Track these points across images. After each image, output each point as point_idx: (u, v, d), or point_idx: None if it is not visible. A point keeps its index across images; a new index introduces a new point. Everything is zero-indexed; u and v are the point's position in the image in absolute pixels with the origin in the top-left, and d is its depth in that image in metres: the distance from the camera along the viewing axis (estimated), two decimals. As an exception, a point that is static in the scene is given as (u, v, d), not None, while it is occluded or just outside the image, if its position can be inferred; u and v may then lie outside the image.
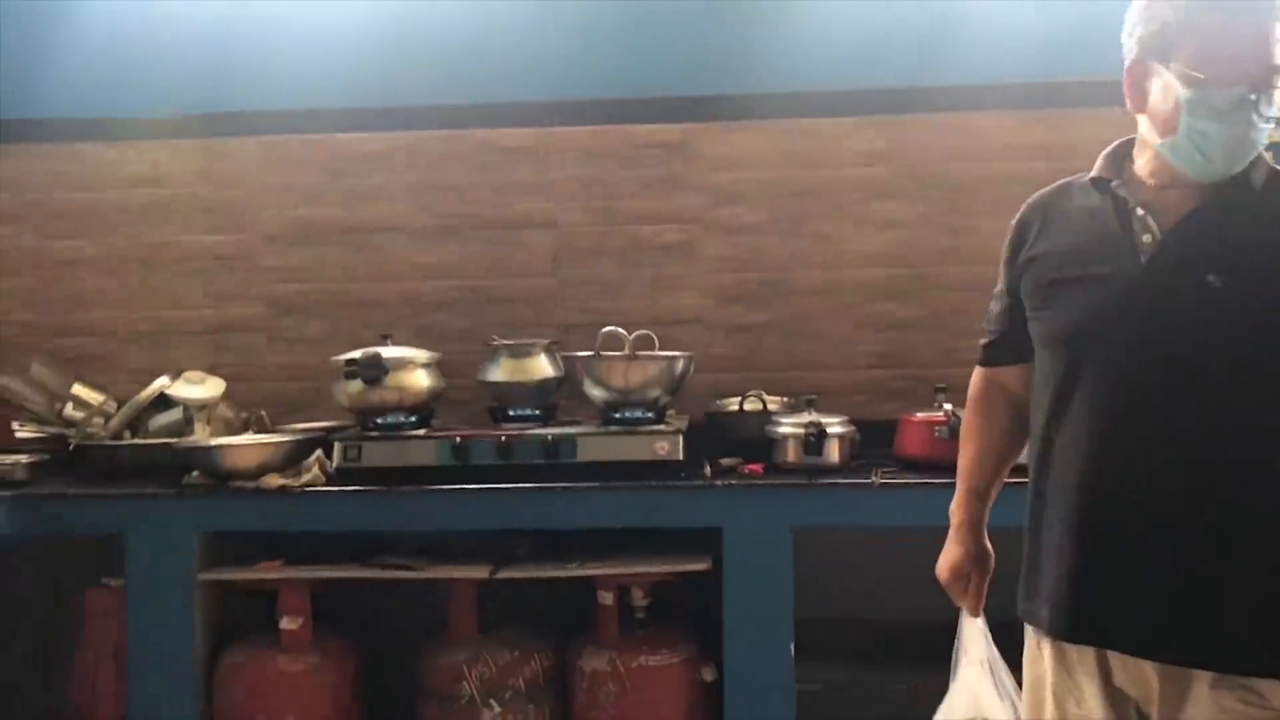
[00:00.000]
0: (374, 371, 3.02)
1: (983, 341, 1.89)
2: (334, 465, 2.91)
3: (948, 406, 2.88)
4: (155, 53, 3.49)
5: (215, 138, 3.51)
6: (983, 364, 1.91)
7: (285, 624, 2.86)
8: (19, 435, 3.21)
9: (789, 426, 2.89)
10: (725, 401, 3.23)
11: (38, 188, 3.54)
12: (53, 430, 3.22)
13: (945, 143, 3.37)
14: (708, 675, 2.84)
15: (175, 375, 3.27)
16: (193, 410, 3.18)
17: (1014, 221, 1.78)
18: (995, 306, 1.84)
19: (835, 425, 2.89)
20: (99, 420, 3.21)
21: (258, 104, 3.49)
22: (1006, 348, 1.83)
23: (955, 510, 1.94)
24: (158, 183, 3.53)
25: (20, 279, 3.54)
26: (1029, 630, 1.74)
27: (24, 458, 3.04)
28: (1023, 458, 1.84)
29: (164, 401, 3.21)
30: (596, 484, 2.78)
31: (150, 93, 3.49)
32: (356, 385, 3.03)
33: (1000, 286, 1.82)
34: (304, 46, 3.47)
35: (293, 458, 2.98)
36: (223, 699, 2.86)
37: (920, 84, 3.36)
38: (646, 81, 3.41)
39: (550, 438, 2.87)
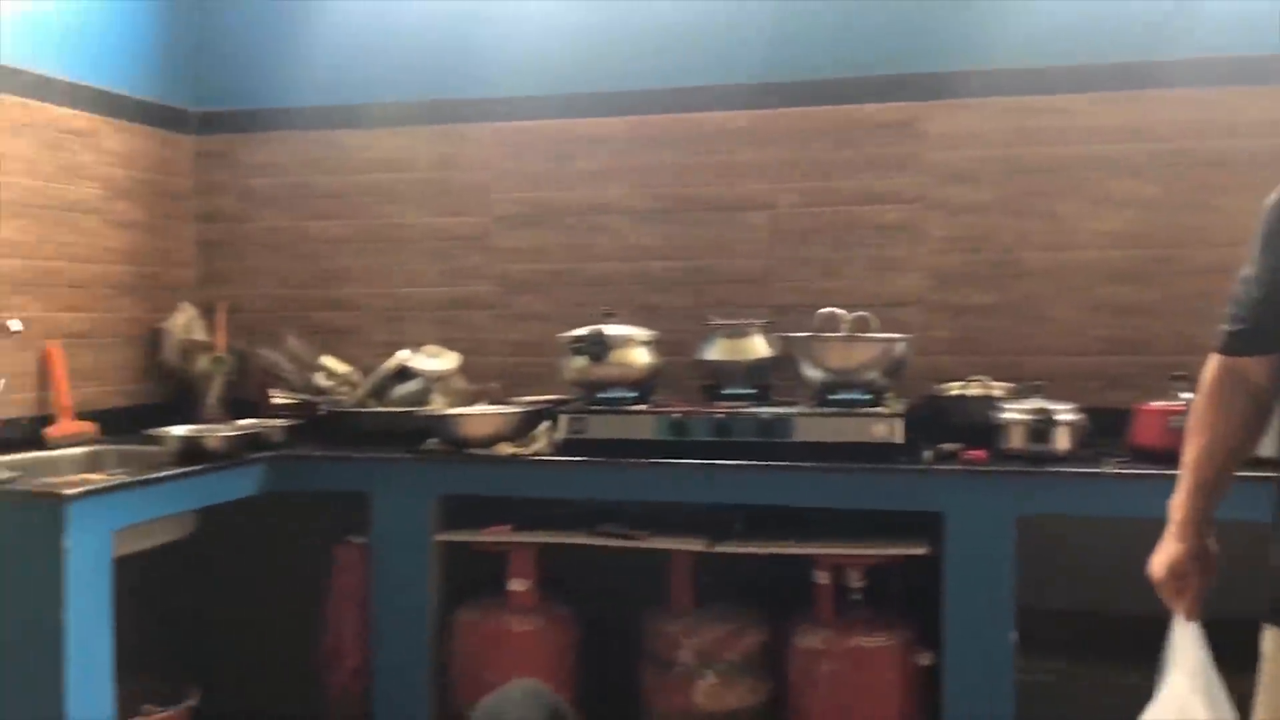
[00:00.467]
0: (597, 348, 3.13)
1: (1226, 328, 1.77)
2: (560, 436, 3.04)
3: (1185, 395, 2.74)
4: (400, 44, 3.71)
5: (453, 124, 3.70)
6: (1224, 352, 1.79)
7: (514, 586, 3.02)
8: (275, 402, 3.50)
9: (1015, 413, 2.83)
10: (946, 386, 3.18)
11: (295, 172, 3.82)
12: (305, 398, 3.48)
13: (1186, 118, 3.19)
14: (924, 660, 2.82)
15: (415, 349, 3.49)
16: (431, 381, 3.38)
17: (1273, 200, 1.67)
18: (1245, 291, 1.72)
19: (1064, 412, 2.81)
20: (346, 389, 3.46)
21: (492, 91, 3.65)
22: (1256, 337, 1.72)
23: (1178, 505, 1.84)
24: (401, 167, 3.75)
25: (279, 258, 3.83)
26: (1273, 632, 1.66)
27: (280, 422, 3.31)
28: (1266, 450, 1.75)
29: (405, 373, 3.42)
30: (816, 464, 2.80)
31: (395, 82, 3.72)
32: (581, 361, 3.15)
33: (1252, 270, 1.70)
34: (533, 35, 3.61)
35: (522, 428, 3.13)
36: (454, 653, 3.04)
37: (1158, 58, 3.19)
38: (868, 61, 3.38)
39: (768, 417, 2.91)
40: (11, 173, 3.15)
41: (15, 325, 3.00)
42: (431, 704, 3.04)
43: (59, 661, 2.43)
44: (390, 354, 3.50)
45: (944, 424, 3.02)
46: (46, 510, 2.44)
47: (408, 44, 3.71)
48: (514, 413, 3.16)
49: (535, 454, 3.02)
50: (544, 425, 3.13)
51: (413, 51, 3.71)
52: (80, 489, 2.50)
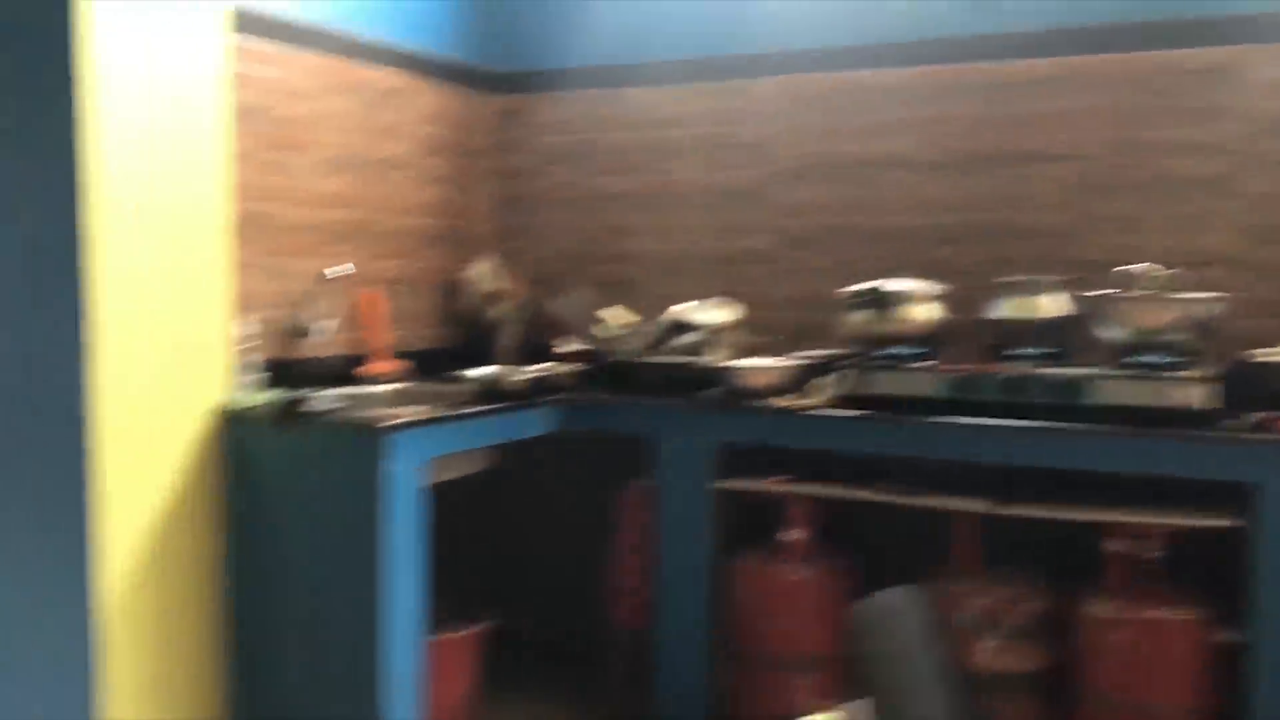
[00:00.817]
0: (880, 303, 3.11)
1: None
2: (839, 391, 3.04)
3: None
4: (684, 1, 3.77)
5: (734, 79, 3.73)
6: None
7: (791, 536, 3.06)
8: (563, 349, 3.67)
9: (1343, 381, 2.60)
10: (1261, 351, 2.95)
11: (584, 129, 3.97)
12: (591, 346, 3.63)
13: None
14: (1224, 638, 2.66)
15: (695, 301, 3.57)
16: (710, 333, 3.45)
17: None
18: None
19: (1402, 382, 2.56)
20: (629, 339, 3.59)
21: (773, 45, 3.66)
22: None
23: None
24: (683, 123, 3.82)
25: (569, 212, 4.00)
26: None
27: (569, 368, 3.47)
28: None
29: (685, 324, 3.50)
30: (1117, 429, 2.68)
31: (679, 39, 3.79)
32: (863, 316, 3.14)
33: None
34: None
35: (800, 381, 3.15)
36: (730, 597, 3.12)
37: None
38: (1182, 2, 3.16)
39: (1063, 377, 2.80)
40: (336, 130, 3.43)
41: (342, 270, 3.28)
42: (710, 644, 3.13)
43: (377, 575, 2.67)
44: (670, 306, 3.59)
45: (1257, 391, 2.81)
46: (370, 438, 2.67)
47: (692, 1, 3.77)
48: (793, 365, 3.19)
49: (814, 407, 3.03)
50: (823, 379, 3.14)
51: (696, 8, 3.76)
52: (399, 420, 2.73)
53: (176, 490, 2.74)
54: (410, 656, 2.75)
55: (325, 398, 2.85)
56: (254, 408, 2.84)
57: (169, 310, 2.70)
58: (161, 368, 2.69)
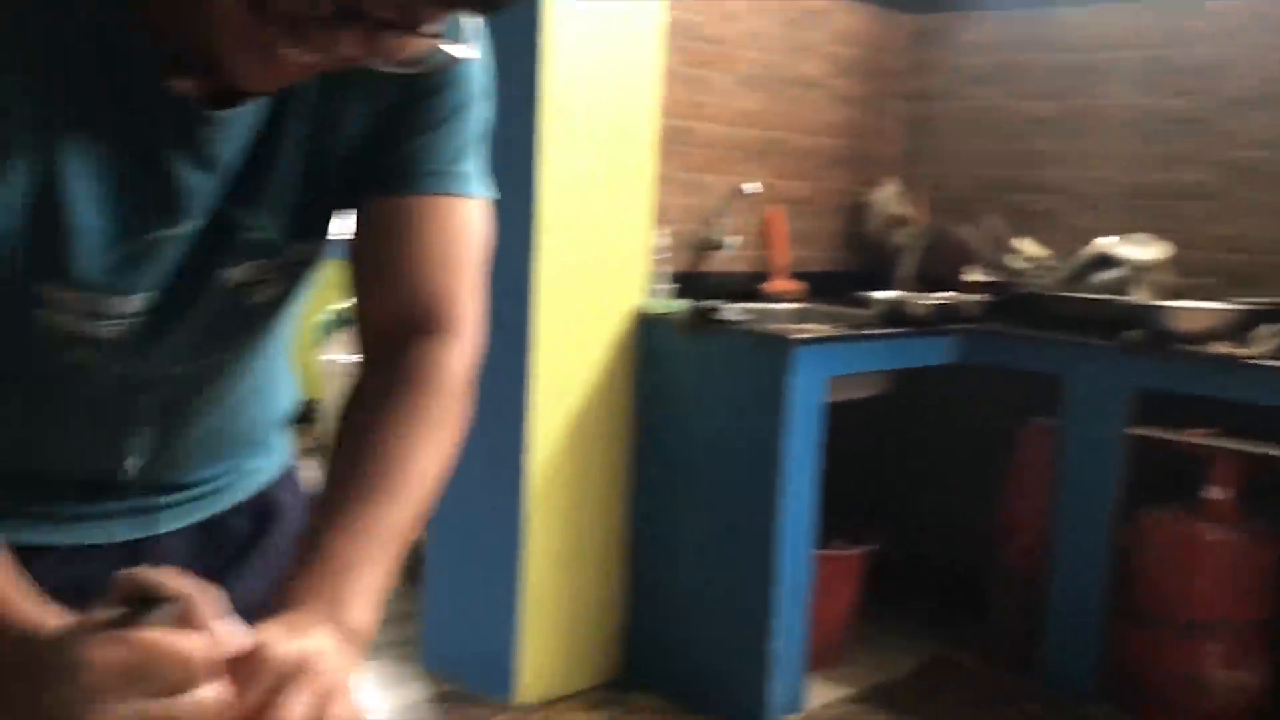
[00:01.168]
0: (1347, 247, 2.77)
1: None
2: (1288, 341, 2.75)
3: None
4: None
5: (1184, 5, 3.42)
6: None
7: (1213, 493, 2.83)
8: (967, 279, 3.55)
9: None
10: None
11: (1005, 51, 3.78)
12: (998, 277, 3.50)
13: None
14: None
15: (1118, 236, 3.34)
16: (1136, 271, 3.22)
17: None
18: None
19: None
20: (1041, 272, 3.42)
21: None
22: None
23: None
24: (1117, 44, 3.55)
25: (982, 137, 3.85)
26: None
27: (974, 298, 3.36)
28: None
29: (1106, 260, 3.29)
30: None
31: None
32: (1324, 261, 2.81)
33: None
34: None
35: (1240, 328, 2.88)
36: (1135, 552, 2.94)
37: None
38: None
39: None
40: (756, 49, 3.48)
41: (753, 188, 3.35)
42: (1107, 599, 2.98)
43: (775, 480, 2.74)
44: (1087, 240, 3.38)
45: None
46: (778, 350, 2.73)
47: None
48: (1233, 310, 2.92)
49: (1258, 357, 2.76)
50: (1270, 327, 2.84)
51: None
52: (805, 335, 2.77)
53: (596, 384, 2.94)
54: (800, 564, 2.81)
55: (733, 309, 2.94)
56: (668, 314, 2.98)
57: (601, 217, 2.87)
58: (591, 270, 2.88)
